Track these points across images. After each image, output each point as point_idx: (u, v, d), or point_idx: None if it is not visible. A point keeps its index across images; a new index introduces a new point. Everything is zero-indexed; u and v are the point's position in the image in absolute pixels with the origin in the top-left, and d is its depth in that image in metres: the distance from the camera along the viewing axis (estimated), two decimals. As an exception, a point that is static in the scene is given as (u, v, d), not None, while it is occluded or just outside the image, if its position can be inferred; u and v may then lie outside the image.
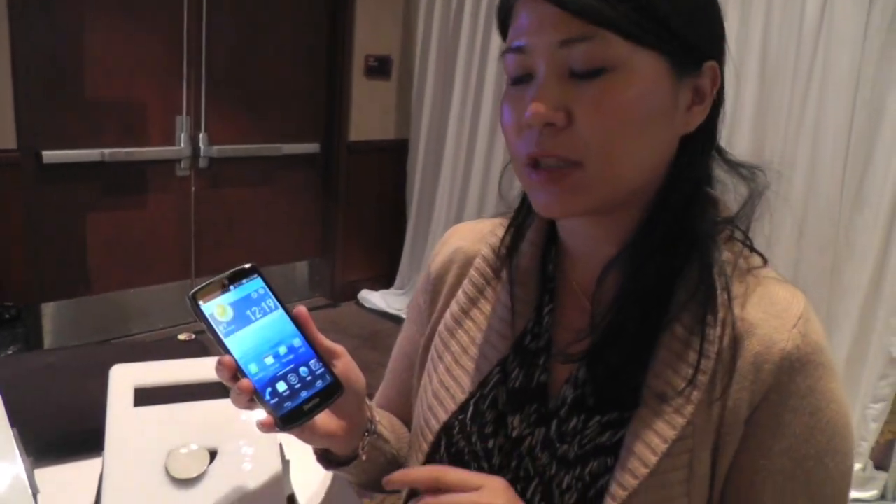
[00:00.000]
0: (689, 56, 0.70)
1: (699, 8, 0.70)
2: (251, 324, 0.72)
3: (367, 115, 4.47)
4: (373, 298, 4.54)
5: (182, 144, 3.74)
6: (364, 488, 0.96)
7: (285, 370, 0.73)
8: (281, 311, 0.75)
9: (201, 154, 3.80)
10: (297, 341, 0.75)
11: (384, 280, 4.70)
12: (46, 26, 3.21)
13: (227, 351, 0.70)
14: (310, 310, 0.78)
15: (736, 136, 2.88)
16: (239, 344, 0.71)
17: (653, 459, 0.69)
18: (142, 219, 3.70)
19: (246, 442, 0.87)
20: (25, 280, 3.25)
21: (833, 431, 0.70)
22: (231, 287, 0.72)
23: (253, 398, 0.70)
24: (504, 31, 0.75)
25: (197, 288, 0.70)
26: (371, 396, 0.93)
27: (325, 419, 0.78)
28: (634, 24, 0.65)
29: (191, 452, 0.85)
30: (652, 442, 0.70)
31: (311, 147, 4.33)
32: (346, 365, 0.79)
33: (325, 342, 0.78)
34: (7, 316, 3.01)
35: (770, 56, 2.85)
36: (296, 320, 0.76)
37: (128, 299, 3.73)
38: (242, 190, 4.07)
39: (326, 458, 0.88)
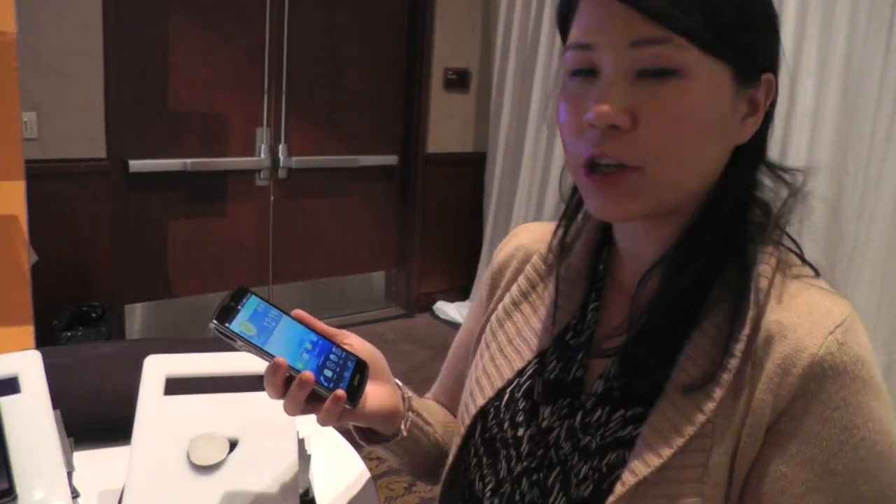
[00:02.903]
0: (750, 67, 0.69)
1: (763, 19, 0.70)
2: (272, 333, 0.76)
3: (446, 127, 4.51)
4: (448, 310, 4.56)
5: (262, 155, 3.86)
6: (409, 473, 0.99)
7: (321, 360, 0.77)
8: (286, 317, 0.79)
9: (280, 165, 3.91)
10: (313, 336, 0.80)
11: (460, 292, 4.72)
12: (136, 43, 3.38)
13: (271, 357, 0.73)
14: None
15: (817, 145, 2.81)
16: (276, 350, 0.74)
17: (667, 452, 0.68)
18: (221, 226, 3.83)
19: (265, 434, 0.90)
20: (111, 282, 3.41)
21: (869, 452, 0.65)
22: (239, 307, 0.75)
23: (314, 388, 0.74)
24: (564, 26, 0.75)
25: (214, 315, 0.73)
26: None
27: (374, 396, 0.82)
28: (709, 33, 0.65)
29: (212, 441, 0.88)
30: (669, 435, 0.68)
31: (389, 159, 4.39)
32: (357, 341, 0.84)
33: (331, 329, 0.83)
34: (93, 315, 3.17)
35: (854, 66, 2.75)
36: (300, 321, 0.80)
37: (207, 303, 3.84)
38: (320, 200, 4.16)
39: (368, 435, 0.90)
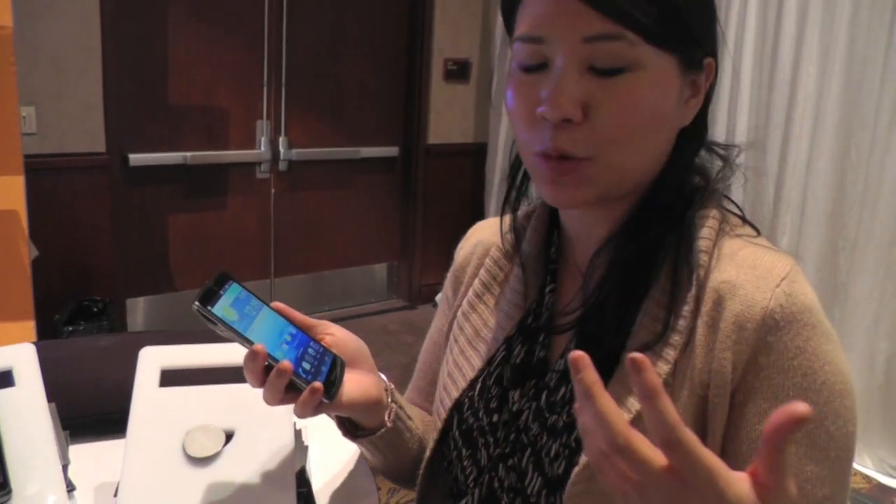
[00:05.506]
0: (695, 55, 0.71)
1: (706, 6, 0.72)
2: (253, 321, 0.74)
3: (446, 118, 4.50)
4: (449, 301, 4.56)
5: (262, 148, 3.86)
6: (390, 474, 0.97)
7: (300, 352, 0.76)
8: (266, 307, 0.78)
9: (281, 157, 3.91)
10: (293, 329, 0.79)
11: (461, 283, 4.70)
12: (134, 37, 3.37)
13: (251, 343, 0.71)
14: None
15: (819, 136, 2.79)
16: (256, 338, 0.73)
17: (626, 418, 0.68)
18: (222, 220, 3.82)
19: (262, 425, 0.89)
20: (112, 276, 3.41)
21: (830, 394, 0.67)
22: (222, 292, 0.74)
23: (292, 379, 0.72)
24: (509, 16, 0.74)
25: (197, 297, 0.71)
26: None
27: (356, 384, 0.81)
28: (659, 28, 0.66)
29: (207, 432, 0.87)
30: (626, 401, 0.70)
31: (389, 150, 4.39)
32: (339, 332, 0.84)
33: (310, 321, 0.82)
34: (95, 309, 3.18)
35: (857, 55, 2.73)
36: (280, 313, 0.79)
37: (209, 297, 3.85)
38: (321, 192, 4.16)
39: (352, 430, 0.89)
